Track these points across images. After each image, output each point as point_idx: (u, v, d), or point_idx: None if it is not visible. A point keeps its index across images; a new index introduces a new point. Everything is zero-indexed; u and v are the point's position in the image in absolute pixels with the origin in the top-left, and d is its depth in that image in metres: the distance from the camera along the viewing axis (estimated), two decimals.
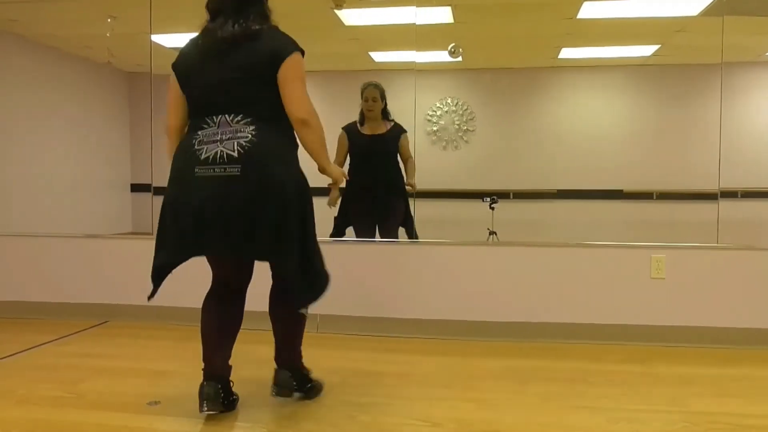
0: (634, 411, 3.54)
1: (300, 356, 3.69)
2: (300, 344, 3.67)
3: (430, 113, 7.97)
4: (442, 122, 7.97)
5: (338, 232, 5.65)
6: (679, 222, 7.07)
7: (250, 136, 3.19)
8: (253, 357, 3.95)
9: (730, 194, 5.64)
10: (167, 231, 3.34)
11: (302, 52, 3.34)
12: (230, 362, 3.54)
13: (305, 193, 3.35)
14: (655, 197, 7.64)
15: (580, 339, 4.98)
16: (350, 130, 5.78)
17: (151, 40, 5.88)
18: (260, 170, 3.17)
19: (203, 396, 3.37)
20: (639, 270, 5.00)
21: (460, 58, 7.16)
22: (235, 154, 3.15)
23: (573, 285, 5.06)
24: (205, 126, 3.26)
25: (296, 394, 3.68)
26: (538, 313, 5.07)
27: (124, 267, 5.58)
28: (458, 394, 3.83)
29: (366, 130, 5.76)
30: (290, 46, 3.30)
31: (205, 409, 3.35)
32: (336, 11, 6.06)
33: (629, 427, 3.32)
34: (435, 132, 7.97)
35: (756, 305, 4.89)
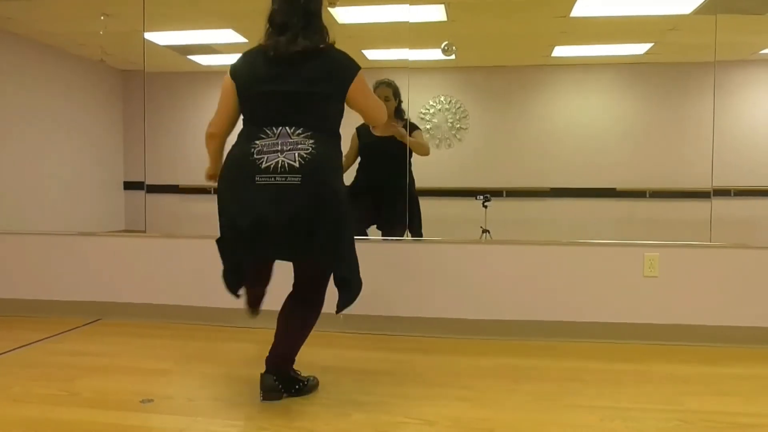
0: (629, 409, 3.55)
1: (293, 363, 3.71)
2: (296, 353, 3.70)
3: (424, 111, 7.97)
4: (435, 120, 7.97)
5: None
6: (672, 220, 7.09)
7: (310, 148, 3.34)
8: (248, 355, 3.95)
9: (723, 192, 5.66)
10: (233, 238, 3.47)
11: (360, 68, 3.58)
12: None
13: (348, 201, 3.52)
14: (648, 195, 7.65)
15: (574, 337, 4.99)
16: (361, 129, 5.65)
17: (144, 38, 5.87)
18: (319, 180, 3.33)
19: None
20: (632, 268, 5.00)
21: (453, 57, 7.16)
22: (296, 165, 3.29)
23: (566, 283, 5.07)
24: (264, 136, 3.37)
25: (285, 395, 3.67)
26: (532, 311, 5.08)
27: (117, 265, 5.56)
28: (453, 392, 3.83)
29: (377, 131, 5.62)
30: (355, 65, 3.56)
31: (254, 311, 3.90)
32: (329, 9, 6.05)
33: (624, 426, 3.32)
34: (428, 130, 7.96)
35: (749, 303, 4.90)
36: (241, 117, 3.58)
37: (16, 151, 6.87)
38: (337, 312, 3.60)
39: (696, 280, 4.96)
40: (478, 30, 7.31)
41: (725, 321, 4.91)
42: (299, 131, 3.36)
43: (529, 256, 5.15)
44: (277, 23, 3.46)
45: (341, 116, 3.57)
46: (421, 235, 5.69)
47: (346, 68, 3.51)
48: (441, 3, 6.24)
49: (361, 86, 3.54)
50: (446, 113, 7.98)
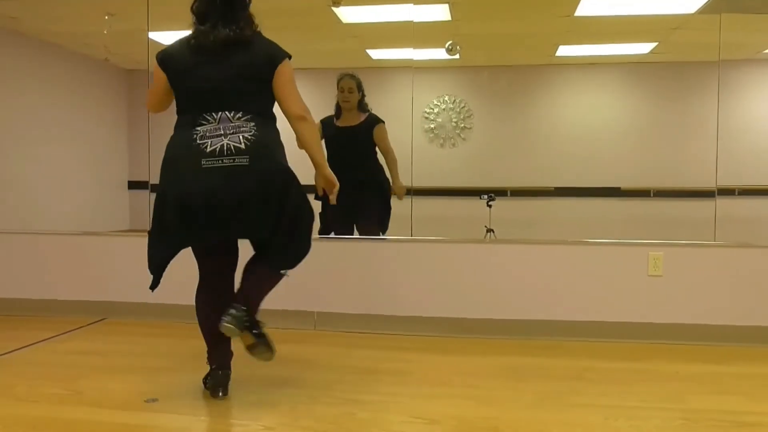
0: (633, 408, 3.55)
1: (257, 309, 3.65)
2: (262, 299, 3.67)
3: (428, 111, 7.98)
4: (440, 120, 7.99)
5: (325, 228, 5.59)
6: (676, 219, 7.08)
7: (253, 131, 3.41)
8: (248, 354, 3.95)
9: (727, 192, 5.67)
10: (171, 221, 3.47)
11: (290, 57, 3.57)
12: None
13: (295, 176, 3.56)
14: (652, 195, 7.65)
15: (578, 336, 4.98)
16: (325, 122, 5.63)
17: (148, 38, 5.87)
18: (266, 159, 3.42)
19: (217, 383, 3.65)
20: (636, 267, 5.00)
21: (457, 56, 7.17)
22: (242, 146, 3.36)
23: (571, 282, 5.06)
24: (204, 122, 3.41)
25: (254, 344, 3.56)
26: (536, 310, 5.07)
27: (122, 264, 5.57)
28: (457, 391, 3.84)
29: (340, 123, 5.65)
30: (282, 52, 3.55)
31: (220, 395, 3.63)
32: (334, 9, 6.05)
33: (627, 425, 3.32)
34: (432, 129, 7.98)
35: (753, 303, 4.89)
36: (176, 106, 3.62)
37: (20, 150, 6.88)
38: (270, 268, 3.63)
39: (700, 279, 4.96)
40: (482, 29, 7.31)
41: (729, 320, 4.90)
42: (239, 115, 3.42)
43: (534, 255, 5.15)
44: (198, 13, 3.52)
45: (274, 99, 3.60)
46: (386, 227, 5.73)
47: (274, 53, 3.54)
48: (445, 2, 6.25)
49: (286, 71, 3.54)
50: (450, 113, 7.99)
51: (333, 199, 3.81)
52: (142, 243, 5.51)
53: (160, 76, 3.57)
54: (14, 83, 6.85)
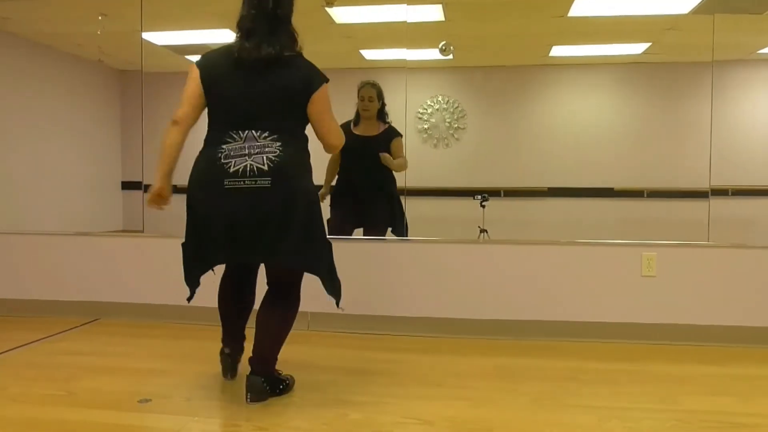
0: (626, 409, 3.55)
1: (275, 362, 3.72)
2: (278, 350, 3.70)
3: (421, 111, 7.97)
4: (433, 120, 7.97)
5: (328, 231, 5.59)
6: (670, 220, 7.09)
7: (278, 151, 3.40)
8: (245, 355, 3.94)
9: (720, 192, 5.66)
10: (200, 239, 3.51)
11: (328, 81, 3.56)
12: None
13: (319, 200, 3.65)
14: (646, 195, 7.65)
15: (571, 337, 4.99)
16: (343, 129, 5.62)
17: (142, 38, 5.87)
18: (289, 181, 3.41)
19: (228, 365, 3.98)
20: (630, 268, 5.00)
21: (451, 56, 7.16)
22: (265, 168, 3.37)
23: (564, 283, 5.07)
24: (230, 140, 3.42)
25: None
26: (530, 311, 5.08)
27: (115, 265, 5.56)
28: (450, 392, 3.84)
29: (358, 131, 5.63)
30: (319, 77, 3.54)
31: (229, 377, 3.98)
32: (327, 9, 6.05)
33: (621, 425, 3.32)
34: (426, 130, 7.96)
35: (746, 303, 4.90)
36: (207, 121, 3.58)
37: (13, 151, 6.86)
38: (338, 305, 3.72)
39: (693, 279, 4.96)
40: (475, 30, 7.31)
41: (722, 321, 4.91)
42: (266, 134, 3.41)
43: (527, 256, 5.15)
44: (244, 29, 3.48)
45: (307, 121, 3.57)
46: (405, 235, 5.72)
47: (312, 77, 3.52)
48: (438, 3, 6.24)
49: (323, 98, 3.54)
50: (444, 113, 7.98)
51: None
52: (136, 244, 5.55)
53: (195, 78, 3.52)
54: (6, 84, 6.82)
